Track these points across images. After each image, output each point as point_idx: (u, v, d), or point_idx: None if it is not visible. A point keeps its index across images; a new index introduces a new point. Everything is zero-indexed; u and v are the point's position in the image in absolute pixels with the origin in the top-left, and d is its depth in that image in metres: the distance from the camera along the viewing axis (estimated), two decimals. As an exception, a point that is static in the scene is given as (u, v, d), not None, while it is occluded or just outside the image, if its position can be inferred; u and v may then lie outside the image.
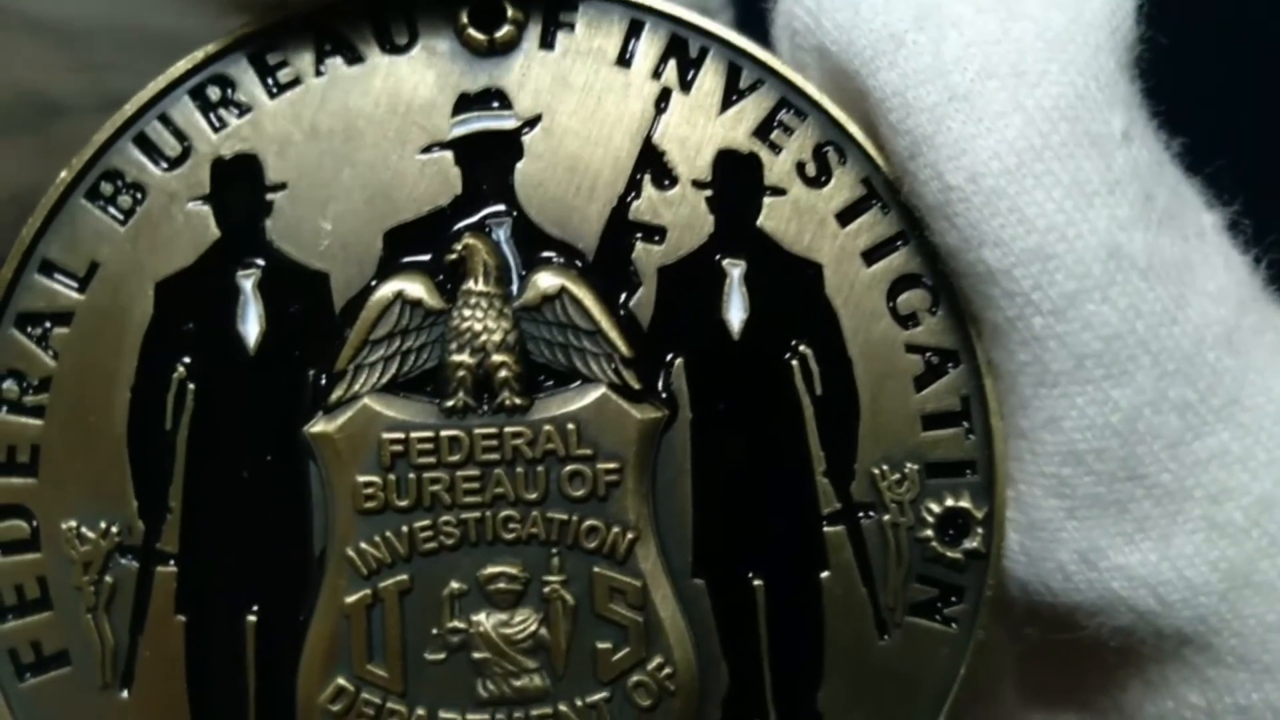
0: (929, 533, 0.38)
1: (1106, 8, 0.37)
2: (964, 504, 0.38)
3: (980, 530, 0.38)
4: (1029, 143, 0.36)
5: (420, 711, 0.37)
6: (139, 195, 0.38)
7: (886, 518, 0.38)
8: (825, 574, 0.38)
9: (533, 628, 0.37)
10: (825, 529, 0.38)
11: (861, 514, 0.38)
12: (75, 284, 0.38)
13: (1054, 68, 0.36)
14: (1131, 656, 0.39)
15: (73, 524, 0.37)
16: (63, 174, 0.38)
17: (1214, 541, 0.37)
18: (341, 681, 0.37)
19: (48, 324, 0.38)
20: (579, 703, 0.37)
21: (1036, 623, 0.39)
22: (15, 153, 0.53)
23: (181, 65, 0.38)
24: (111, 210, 0.38)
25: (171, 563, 0.37)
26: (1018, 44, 0.36)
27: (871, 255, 0.38)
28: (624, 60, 0.39)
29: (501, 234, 0.38)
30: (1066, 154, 0.36)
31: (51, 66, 0.50)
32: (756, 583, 0.38)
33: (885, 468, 0.38)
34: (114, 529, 0.37)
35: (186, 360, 0.38)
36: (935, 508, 0.38)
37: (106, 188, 0.38)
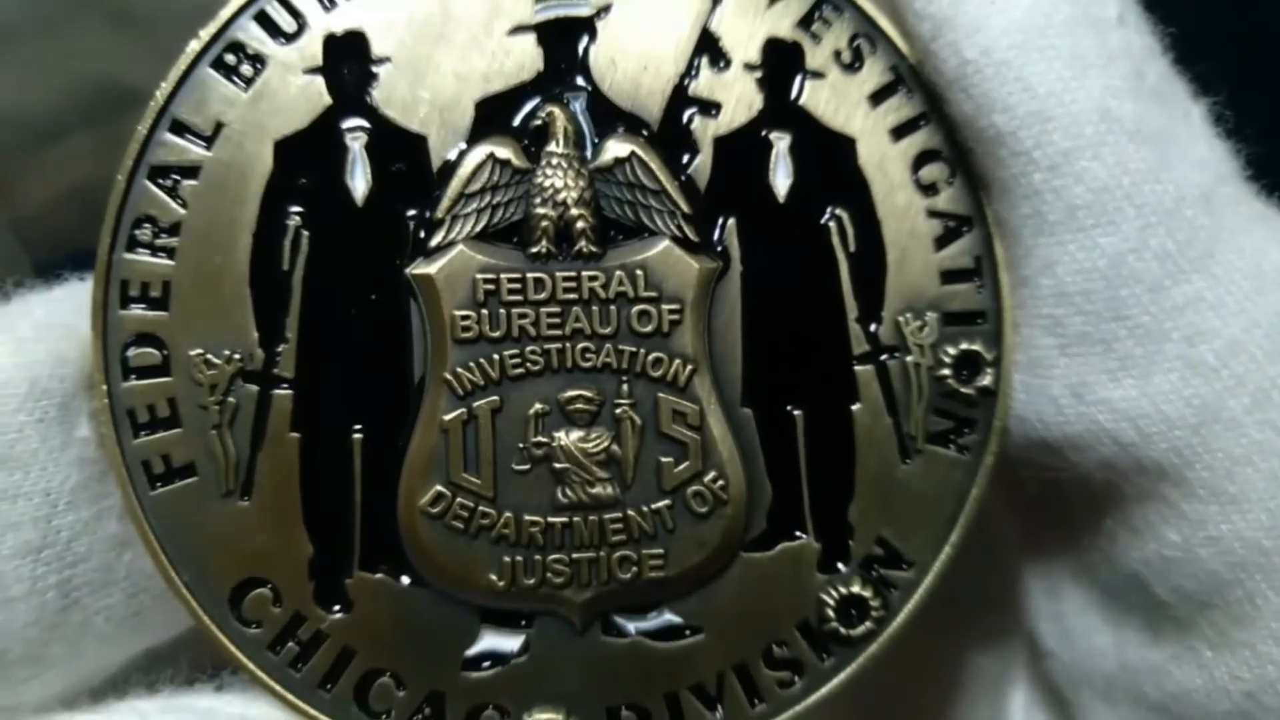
0: (946, 372, 0.44)
1: None
2: (977, 347, 0.44)
3: (990, 370, 0.44)
4: (1034, 21, 0.41)
5: (507, 514, 0.43)
6: (259, 65, 0.43)
7: (910, 359, 0.44)
8: (856, 406, 0.44)
9: (606, 443, 0.43)
10: (856, 367, 0.44)
11: (887, 355, 0.44)
12: (203, 142, 0.43)
13: None
14: (1116, 498, 0.43)
15: (199, 351, 0.42)
16: (192, 44, 0.43)
17: (1188, 380, 0.42)
18: (439, 488, 0.42)
19: (177, 176, 0.42)
20: (645, 509, 0.43)
21: (1031, 465, 0.44)
22: (88, 147, 0.54)
23: (293, -47, 0.43)
24: (235, 78, 0.43)
25: (287, 386, 0.42)
26: None
27: (899, 132, 0.44)
28: (684, -43, 0.44)
29: (578, 106, 0.44)
30: (1067, 31, 0.41)
31: (131, 58, 0.53)
32: (796, 413, 0.44)
33: (909, 315, 0.44)
34: (237, 356, 0.42)
35: (301, 210, 0.43)
36: (952, 350, 0.44)
37: (230, 58, 0.43)
